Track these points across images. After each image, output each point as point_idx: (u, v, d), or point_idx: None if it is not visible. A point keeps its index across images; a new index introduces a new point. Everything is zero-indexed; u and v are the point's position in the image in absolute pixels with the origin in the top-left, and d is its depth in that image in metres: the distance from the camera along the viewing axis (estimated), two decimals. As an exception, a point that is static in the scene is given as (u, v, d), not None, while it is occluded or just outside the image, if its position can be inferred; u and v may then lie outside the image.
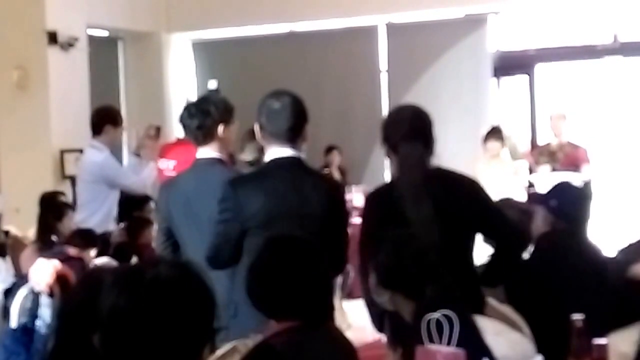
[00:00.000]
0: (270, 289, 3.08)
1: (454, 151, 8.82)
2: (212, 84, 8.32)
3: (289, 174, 4.02)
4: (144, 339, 2.07)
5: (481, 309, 3.67)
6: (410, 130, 3.95)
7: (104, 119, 8.00)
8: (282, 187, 4.01)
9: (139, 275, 2.14)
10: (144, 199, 7.66)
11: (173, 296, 2.10)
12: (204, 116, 4.46)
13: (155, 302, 2.08)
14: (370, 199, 4.11)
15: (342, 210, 4.08)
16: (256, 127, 4.08)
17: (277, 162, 4.06)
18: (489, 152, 9.12)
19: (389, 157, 4.04)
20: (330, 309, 3.28)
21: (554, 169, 8.23)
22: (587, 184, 7.88)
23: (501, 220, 4.16)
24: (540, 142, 10.40)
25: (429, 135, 4.03)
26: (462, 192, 4.01)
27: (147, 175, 7.40)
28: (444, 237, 3.70)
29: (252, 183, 4.20)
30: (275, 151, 4.05)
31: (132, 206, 7.92)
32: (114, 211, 7.98)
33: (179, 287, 2.12)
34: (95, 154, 7.91)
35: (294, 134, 4.03)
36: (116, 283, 2.17)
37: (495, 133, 9.46)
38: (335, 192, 4.06)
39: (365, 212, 4.08)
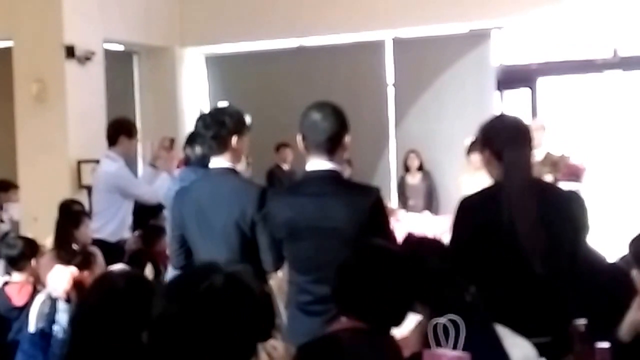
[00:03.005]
0: (353, 289, 3.18)
1: (460, 163, 8.84)
2: (225, 103, 8.33)
3: (318, 188, 3.99)
4: (192, 347, 2.05)
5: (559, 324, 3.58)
6: (517, 137, 3.91)
7: (119, 130, 8.04)
8: (307, 201, 3.98)
9: (194, 284, 2.13)
10: (158, 208, 7.66)
11: (225, 306, 2.09)
12: (219, 127, 4.45)
13: (207, 312, 2.07)
14: (467, 205, 3.96)
15: (378, 225, 3.95)
16: (299, 138, 4.05)
17: (311, 176, 4.03)
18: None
19: (489, 162, 3.96)
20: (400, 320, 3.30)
21: (555, 179, 8.21)
22: (586, 193, 7.88)
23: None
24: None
25: (531, 143, 3.99)
26: (562, 205, 3.97)
27: (159, 185, 7.40)
28: (545, 244, 3.69)
29: (283, 196, 4.23)
30: (313, 163, 4.02)
31: (146, 214, 7.93)
32: (129, 219, 8.01)
33: (232, 299, 2.11)
34: (110, 164, 7.94)
35: (332, 144, 3.98)
36: (170, 291, 2.17)
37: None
38: (370, 206, 3.93)
39: (460, 218, 3.94)
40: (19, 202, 8.80)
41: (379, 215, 3.99)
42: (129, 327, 2.74)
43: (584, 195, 5.19)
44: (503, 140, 3.88)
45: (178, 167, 7.33)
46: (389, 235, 4.08)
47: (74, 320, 3.07)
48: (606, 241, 6.28)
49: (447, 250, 3.84)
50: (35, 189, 9.05)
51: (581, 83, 12.00)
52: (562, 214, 3.89)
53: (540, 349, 3.40)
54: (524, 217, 3.70)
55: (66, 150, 10.04)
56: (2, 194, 8.81)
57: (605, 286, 4.40)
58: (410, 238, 4.32)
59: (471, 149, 8.80)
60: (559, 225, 3.80)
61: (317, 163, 4.01)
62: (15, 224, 8.38)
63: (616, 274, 4.71)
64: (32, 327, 5.01)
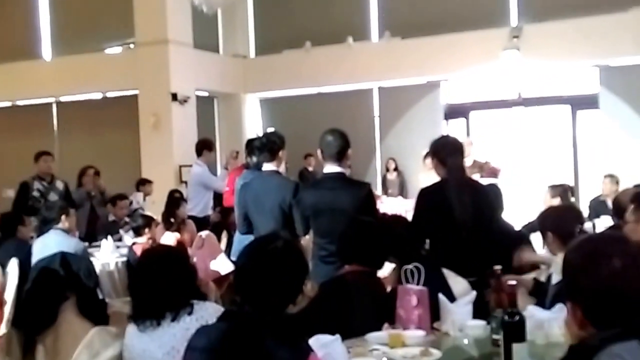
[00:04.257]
0: (352, 245, 3.23)
1: (420, 166, 8.83)
2: (273, 129, 8.39)
3: (331, 184, 3.96)
4: (263, 287, 2.06)
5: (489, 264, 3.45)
6: (455, 149, 3.88)
7: (203, 146, 8.09)
8: (324, 191, 3.96)
9: (264, 245, 2.14)
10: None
11: (283, 260, 2.10)
12: (272, 144, 4.45)
13: (272, 264, 2.08)
14: (424, 193, 3.90)
15: (369, 207, 3.91)
16: (318, 152, 4.03)
17: (327, 175, 4.00)
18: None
19: (436, 166, 3.90)
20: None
21: (481, 177, 8.16)
22: (502, 186, 7.79)
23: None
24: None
25: (464, 154, 3.97)
26: (484, 193, 3.97)
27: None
28: (474, 219, 3.68)
29: (309, 188, 4.22)
30: (328, 168, 4.00)
31: (222, 199, 7.98)
32: (210, 202, 8.05)
33: (287, 255, 2.12)
34: (197, 168, 8.00)
35: (340, 155, 3.96)
36: (248, 251, 2.17)
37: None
38: (364, 195, 3.91)
39: (419, 202, 3.88)
40: (142, 192, 8.86)
41: (370, 200, 3.97)
42: (171, 278, 2.73)
43: (500, 187, 5.15)
44: (446, 153, 3.85)
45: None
46: (376, 212, 4.09)
47: (134, 277, 3.05)
48: (515, 216, 6.25)
49: (409, 222, 3.85)
50: (154, 183, 9.11)
51: (497, 115, 11.93)
52: (484, 200, 3.87)
53: (470, 285, 3.41)
54: (461, 202, 3.69)
55: (172, 159, 10.13)
56: (141, 187, 8.91)
57: (514, 244, 4.39)
58: (384, 215, 4.33)
59: (426, 156, 8.72)
60: (481, 207, 3.78)
61: (330, 167, 4.00)
62: (140, 206, 8.45)
63: (521, 237, 4.71)
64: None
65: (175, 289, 2.70)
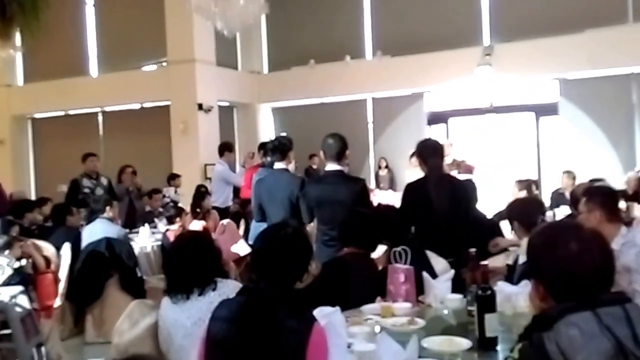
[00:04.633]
0: (350, 231, 3.22)
1: (406, 164, 8.81)
2: (284, 134, 8.36)
3: (331, 179, 3.95)
4: (275, 267, 2.05)
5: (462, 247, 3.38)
6: (435, 151, 3.88)
7: (224, 148, 8.09)
8: (326, 186, 3.94)
9: (277, 232, 2.13)
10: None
11: (292, 244, 2.09)
12: (283, 146, 4.46)
13: (283, 247, 2.07)
14: (410, 187, 3.91)
15: (364, 199, 3.90)
16: (321, 153, 4.01)
17: (328, 173, 4.00)
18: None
19: (420, 165, 3.90)
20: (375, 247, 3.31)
21: (459, 173, 8.14)
22: (477, 181, 7.71)
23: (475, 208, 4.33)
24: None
25: (443, 154, 3.96)
26: (461, 187, 3.97)
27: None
28: (452, 209, 3.69)
29: (313, 183, 4.19)
30: (329, 166, 3.99)
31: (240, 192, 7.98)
32: (231, 195, 8.05)
33: (296, 240, 2.10)
34: (220, 166, 8.00)
35: (339, 156, 3.94)
36: (263, 236, 2.16)
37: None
38: (360, 189, 3.90)
39: (406, 195, 3.89)
40: (173, 186, 8.86)
41: (365, 193, 3.96)
42: (198, 259, 2.73)
43: (475, 182, 5.13)
44: (427, 154, 3.87)
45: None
46: (370, 204, 4.09)
47: (168, 258, 3.05)
48: (487, 206, 6.24)
49: (398, 211, 3.84)
50: (183, 180, 9.12)
51: (472, 121, 11.88)
52: (461, 193, 3.87)
53: (449, 264, 3.40)
54: (438, 195, 3.70)
55: (198, 159, 10.14)
56: (172, 181, 8.92)
57: (486, 230, 4.38)
58: (379, 206, 4.33)
59: (412, 156, 8.68)
60: (459, 199, 3.79)
61: (331, 166, 3.99)
62: (172, 199, 8.46)
63: (492, 224, 4.70)
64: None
65: (202, 268, 2.72)
